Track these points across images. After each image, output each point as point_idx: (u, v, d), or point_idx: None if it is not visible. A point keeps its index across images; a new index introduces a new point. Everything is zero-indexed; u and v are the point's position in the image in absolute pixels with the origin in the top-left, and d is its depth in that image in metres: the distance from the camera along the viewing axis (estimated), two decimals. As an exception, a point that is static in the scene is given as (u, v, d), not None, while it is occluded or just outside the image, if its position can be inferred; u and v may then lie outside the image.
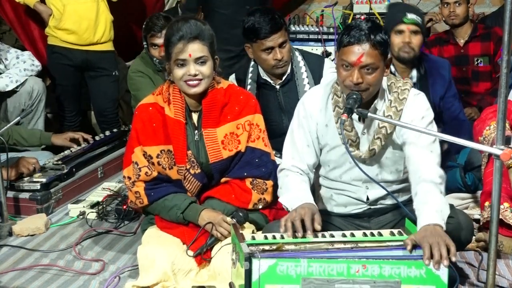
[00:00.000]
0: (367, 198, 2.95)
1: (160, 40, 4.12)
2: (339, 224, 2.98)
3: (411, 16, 3.85)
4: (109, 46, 5.08)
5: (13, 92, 4.73)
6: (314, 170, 2.99)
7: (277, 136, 3.49)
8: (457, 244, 2.57)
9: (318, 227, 2.61)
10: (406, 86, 2.86)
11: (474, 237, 3.08)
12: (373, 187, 2.90)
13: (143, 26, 4.42)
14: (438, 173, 2.71)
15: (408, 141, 2.78)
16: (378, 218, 2.99)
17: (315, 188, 3.09)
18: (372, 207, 2.98)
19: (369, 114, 2.74)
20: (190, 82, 2.98)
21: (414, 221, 2.65)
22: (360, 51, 2.68)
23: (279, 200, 2.91)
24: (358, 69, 2.69)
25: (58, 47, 4.99)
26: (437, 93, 3.92)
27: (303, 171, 2.92)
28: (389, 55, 2.82)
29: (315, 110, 2.90)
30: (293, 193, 2.82)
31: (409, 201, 2.83)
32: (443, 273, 2.44)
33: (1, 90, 4.64)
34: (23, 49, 5.32)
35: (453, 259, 2.41)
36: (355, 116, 2.81)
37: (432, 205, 2.59)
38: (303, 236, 2.61)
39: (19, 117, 3.91)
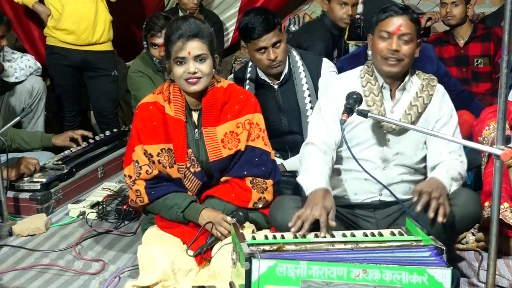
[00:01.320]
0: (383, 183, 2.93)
1: (160, 40, 4.12)
2: (344, 217, 3.00)
3: None
4: (108, 46, 5.09)
5: (13, 90, 4.73)
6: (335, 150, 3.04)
7: (276, 136, 3.49)
8: (462, 223, 2.80)
9: (332, 223, 2.62)
10: (433, 77, 3.06)
11: (474, 237, 3.09)
12: (389, 168, 2.98)
13: (143, 26, 4.42)
14: (460, 153, 2.91)
15: (436, 127, 2.96)
16: (383, 210, 3.03)
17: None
18: (381, 198, 3.01)
19: (369, 114, 2.76)
20: (190, 80, 2.98)
21: (415, 219, 2.66)
22: (399, 22, 2.90)
23: (297, 179, 2.93)
24: (397, 38, 2.88)
25: (57, 48, 5.00)
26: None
27: (329, 148, 2.94)
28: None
29: (345, 89, 2.94)
30: (312, 175, 2.83)
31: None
32: (446, 280, 2.40)
33: (4, 78, 4.66)
34: (23, 49, 5.33)
35: (440, 219, 2.59)
36: (386, 92, 2.99)
37: (446, 172, 2.79)
38: (304, 236, 2.61)
39: (19, 117, 3.91)
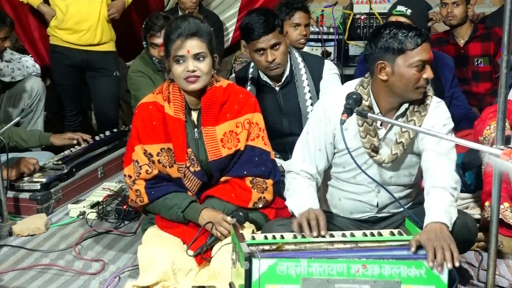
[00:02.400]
0: (377, 204, 2.94)
1: (159, 40, 4.11)
2: (341, 225, 2.96)
3: (400, 8, 3.99)
4: (110, 47, 5.10)
5: (12, 91, 4.73)
6: (322, 174, 2.97)
7: (276, 137, 3.49)
8: (461, 245, 2.61)
9: (323, 233, 2.63)
10: (429, 93, 2.85)
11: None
12: (384, 191, 2.86)
13: (143, 25, 4.42)
14: (454, 179, 2.72)
15: (427, 147, 2.78)
16: (381, 223, 2.98)
17: (321, 191, 3.08)
18: (378, 215, 2.98)
19: (369, 114, 2.74)
20: (189, 79, 2.98)
21: (416, 223, 2.66)
22: (428, 47, 2.74)
23: (286, 203, 2.91)
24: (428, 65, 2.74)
25: (59, 47, 5.00)
26: (447, 80, 3.99)
27: (312, 176, 2.90)
28: None
29: (335, 114, 2.81)
30: (300, 197, 2.82)
31: (413, 206, 2.87)
32: (443, 274, 2.44)
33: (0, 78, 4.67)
34: (23, 49, 5.34)
35: (456, 264, 2.42)
36: (378, 122, 2.82)
37: (442, 205, 2.61)
38: (303, 236, 2.62)
39: (19, 117, 3.92)
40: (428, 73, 2.72)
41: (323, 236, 2.62)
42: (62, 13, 4.89)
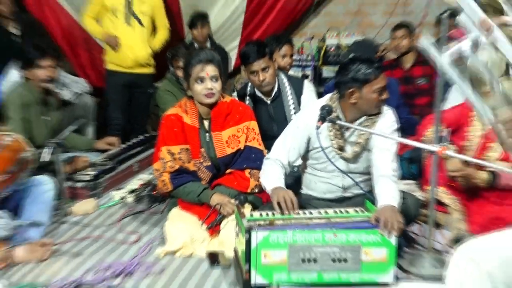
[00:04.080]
0: (343, 186, 2.96)
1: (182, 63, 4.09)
2: (317, 205, 2.96)
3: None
4: (150, 70, 4.96)
5: (70, 106, 4.70)
6: (293, 165, 2.99)
7: (268, 139, 3.49)
8: (406, 219, 2.63)
9: (296, 211, 2.65)
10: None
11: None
12: (347, 177, 2.88)
13: (168, 53, 4.39)
14: (393, 168, 2.74)
15: (375, 145, 2.81)
16: (346, 202, 2.97)
17: (301, 176, 3.10)
18: (344, 195, 2.98)
19: (337, 122, 2.77)
20: (208, 94, 3.00)
21: (373, 202, 2.68)
22: (384, 76, 2.76)
23: (260, 180, 2.92)
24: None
25: (112, 71, 4.86)
26: (393, 99, 4.01)
27: (283, 165, 2.91)
28: None
29: (312, 121, 2.80)
30: (272, 178, 2.83)
31: (370, 190, 2.87)
32: (393, 239, 2.48)
33: (62, 98, 4.60)
34: (75, 73, 5.30)
35: (398, 233, 2.47)
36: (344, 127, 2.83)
37: (389, 192, 2.65)
38: (289, 214, 2.64)
39: (75, 126, 3.91)
40: (385, 95, 2.77)
41: (297, 214, 2.64)
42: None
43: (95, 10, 4.74)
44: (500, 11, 2.04)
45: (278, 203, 2.66)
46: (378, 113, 2.84)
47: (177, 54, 4.28)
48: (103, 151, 4.32)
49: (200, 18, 5.16)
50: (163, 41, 4.98)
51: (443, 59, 2.22)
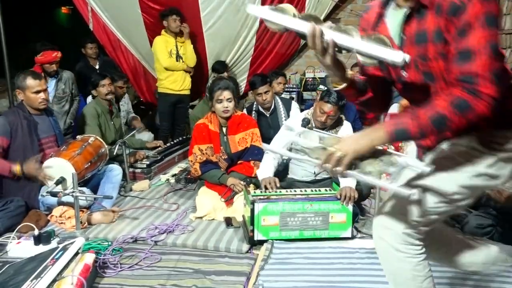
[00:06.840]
0: (314, 172, 2.90)
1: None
2: (298, 186, 2.90)
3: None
4: (188, 92, 4.79)
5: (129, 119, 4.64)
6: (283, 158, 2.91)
7: (267, 141, 3.43)
8: (361, 195, 2.63)
9: (275, 189, 2.61)
10: (344, 119, 2.88)
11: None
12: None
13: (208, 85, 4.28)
14: None
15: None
16: (318, 184, 2.92)
17: (288, 164, 3.03)
18: (316, 178, 2.92)
19: (313, 129, 2.69)
20: (224, 111, 2.96)
21: (337, 184, 2.62)
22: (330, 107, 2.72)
23: (256, 172, 2.86)
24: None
25: (164, 93, 4.70)
26: (351, 117, 3.92)
27: (276, 156, 2.83)
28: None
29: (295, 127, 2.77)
30: (262, 171, 2.77)
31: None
32: (350, 207, 2.44)
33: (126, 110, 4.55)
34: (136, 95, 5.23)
35: (352, 202, 2.44)
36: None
37: (348, 178, 2.55)
38: (279, 190, 2.58)
39: (135, 132, 3.85)
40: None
41: (280, 191, 2.57)
42: (166, 75, 4.63)
43: (166, 55, 4.59)
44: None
45: (265, 186, 2.64)
46: (340, 124, 2.80)
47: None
48: (152, 148, 4.29)
49: (222, 65, 5.06)
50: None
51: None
